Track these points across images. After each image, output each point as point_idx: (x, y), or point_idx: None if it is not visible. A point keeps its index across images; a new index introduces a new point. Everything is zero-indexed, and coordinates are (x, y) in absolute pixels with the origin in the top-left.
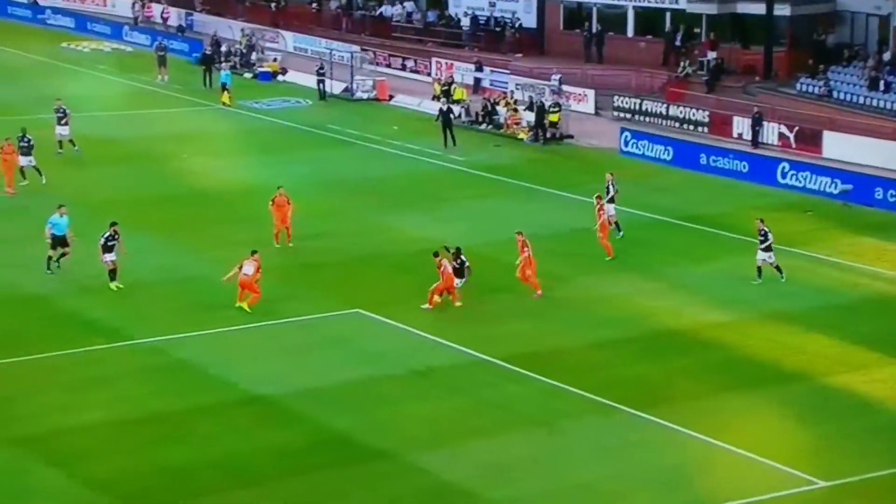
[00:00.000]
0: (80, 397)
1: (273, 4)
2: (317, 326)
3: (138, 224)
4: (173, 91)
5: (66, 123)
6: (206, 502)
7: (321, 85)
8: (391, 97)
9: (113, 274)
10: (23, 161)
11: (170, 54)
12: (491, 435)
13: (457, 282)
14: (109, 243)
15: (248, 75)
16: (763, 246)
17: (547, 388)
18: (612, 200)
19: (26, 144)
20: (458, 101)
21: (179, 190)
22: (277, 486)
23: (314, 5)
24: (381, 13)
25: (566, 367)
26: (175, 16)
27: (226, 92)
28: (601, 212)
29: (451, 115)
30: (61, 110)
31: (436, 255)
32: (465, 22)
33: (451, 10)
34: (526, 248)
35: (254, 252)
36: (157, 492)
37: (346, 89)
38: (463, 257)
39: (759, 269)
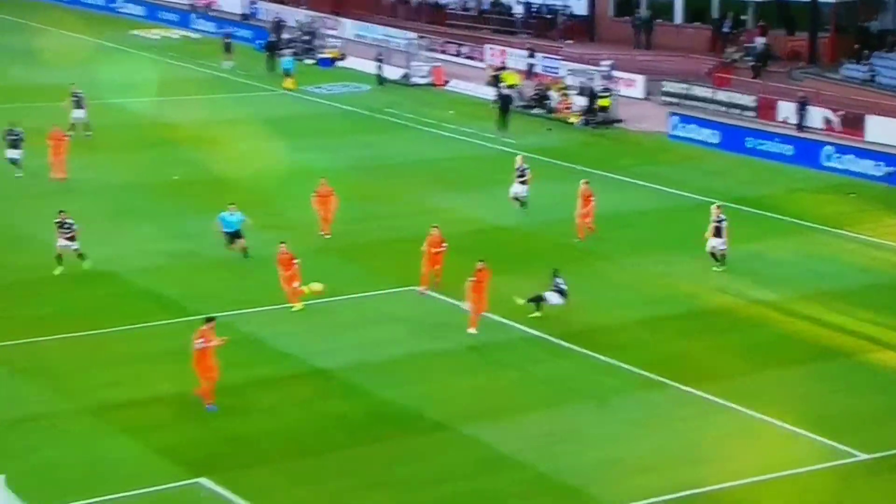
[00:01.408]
0: (151, 370)
1: None
2: (373, 303)
3: (205, 205)
4: (238, 77)
5: (80, 107)
6: (268, 470)
7: (379, 70)
8: (446, 82)
9: (60, 259)
10: (10, 154)
11: (235, 41)
12: (542, 408)
13: (556, 301)
14: (65, 229)
15: (309, 61)
16: (716, 233)
17: (596, 363)
18: (524, 182)
19: (15, 137)
20: (510, 87)
21: (244, 172)
22: (336, 455)
23: None
24: (436, 1)
25: (615, 343)
26: (240, 4)
27: (289, 77)
28: (589, 198)
29: (510, 100)
30: (76, 95)
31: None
32: (518, 9)
33: None
34: (443, 244)
35: (281, 243)
36: (223, 460)
37: (403, 75)
38: (559, 279)
39: (713, 255)
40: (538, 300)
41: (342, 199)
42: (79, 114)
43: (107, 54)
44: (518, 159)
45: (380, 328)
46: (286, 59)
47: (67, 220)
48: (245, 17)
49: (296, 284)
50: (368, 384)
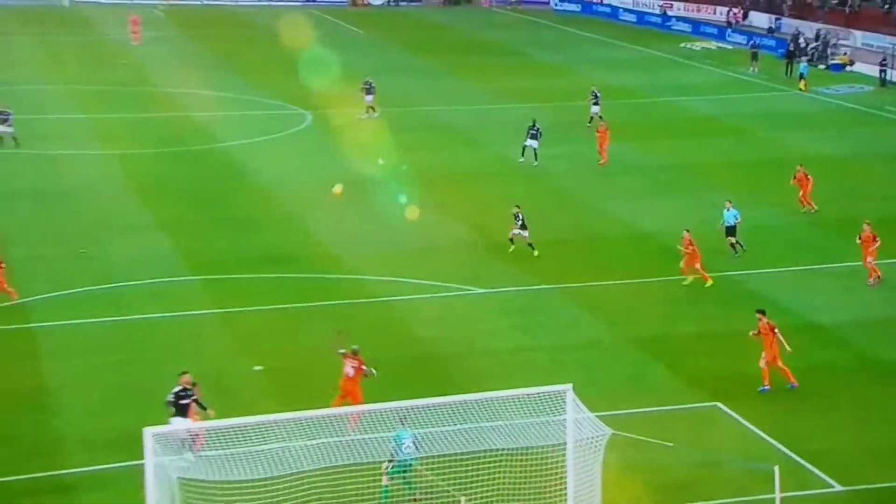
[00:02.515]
0: (677, 313)
1: (847, 8)
2: (863, 272)
3: (726, 184)
4: (761, 80)
5: (597, 103)
6: (770, 402)
7: (882, 74)
8: None
9: (512, 241)
10: (529, 143)
11: (761, 51)
12: None
13: None
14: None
15: (821, 67)
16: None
17: None
18: None
19: (534, 131)
20: None
21: (757, 157)
22: (826, 396)
23: (885, 7)
24: None
25: None
26: (767, 19)
27: (802, 80)
28: None
29: None
30: (595, 94)
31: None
32: None
33: None
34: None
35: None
36: (734, 390)
37: None
38: None
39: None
40: None
41: (840, 182)
42: (594, 109)
43: (660, 62)
44: None
45: (866, 293)
46: (802, 65)
47: (519, 214)
48: (770, 30)
49: (697, 265)
50: (856, 338)
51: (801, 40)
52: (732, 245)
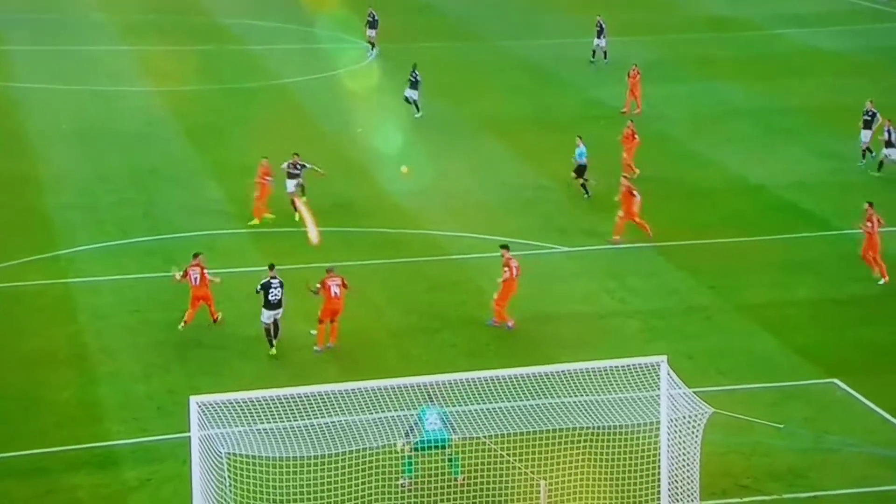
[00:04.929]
0: (791, 277)
1: None
2: None
3: (847, 128)
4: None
5: (601, 35)
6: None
7: None
8: None
9: None
10: (408, 93)
11: None
12: None
13: None
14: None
15: None
16: None
17: None
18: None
19: (413, 80)
20: None
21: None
22: None
23: None
24: None
25: None
26: None
27: None
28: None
29: None
30: (600, 23)
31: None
32: None
33: None
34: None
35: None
36: (854, 364)
37: None
38: None
39: None
40: None
41: None
42: (598, 42)
43: None
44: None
45: None
46: None
47: (298, 164)
48: None
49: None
50: None
51: None
52: (583, 186)
